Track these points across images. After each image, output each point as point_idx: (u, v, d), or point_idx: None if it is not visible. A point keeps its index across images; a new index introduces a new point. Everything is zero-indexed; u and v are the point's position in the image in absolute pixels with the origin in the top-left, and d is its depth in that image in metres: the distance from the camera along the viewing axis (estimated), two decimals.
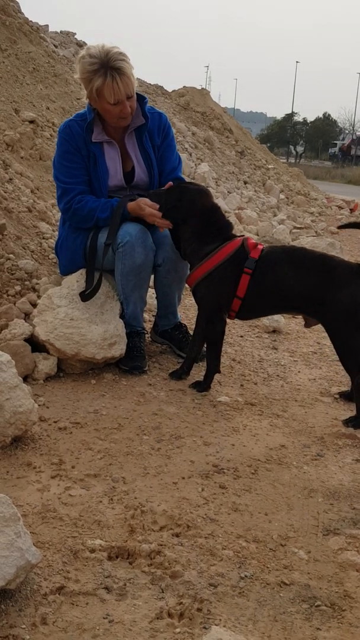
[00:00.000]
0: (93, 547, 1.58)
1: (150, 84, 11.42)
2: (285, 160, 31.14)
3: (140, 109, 2.79)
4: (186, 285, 2.82)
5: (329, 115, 53.80)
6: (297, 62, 60.78)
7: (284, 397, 2.70)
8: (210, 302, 2.61)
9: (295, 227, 7.82)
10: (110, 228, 2.71)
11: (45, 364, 2.62)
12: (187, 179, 5.88)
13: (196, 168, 8.37)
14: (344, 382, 2.85)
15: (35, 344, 2.65)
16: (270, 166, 11.88)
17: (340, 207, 11.45)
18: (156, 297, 3.06)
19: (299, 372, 3.04)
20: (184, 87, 12.72)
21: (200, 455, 2.12)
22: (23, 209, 3.50)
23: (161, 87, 11.92)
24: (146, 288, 2.87)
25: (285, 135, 50.82)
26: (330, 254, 2.77)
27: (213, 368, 2.67)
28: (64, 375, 2.69)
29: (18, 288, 2.89)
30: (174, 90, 12.55)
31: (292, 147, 51.13)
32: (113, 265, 2.78)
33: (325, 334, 2.61)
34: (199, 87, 13.12)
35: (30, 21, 6.44)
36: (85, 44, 8.42)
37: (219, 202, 7.08)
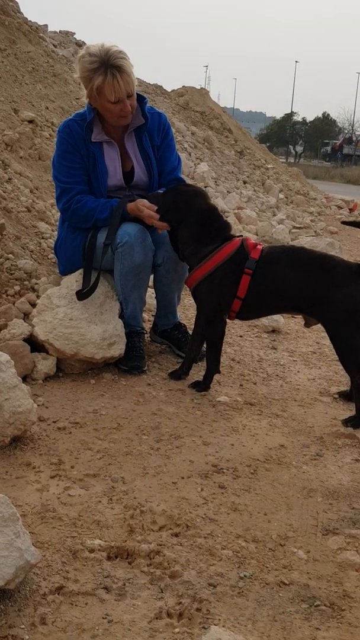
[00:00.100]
0: (92, 547, 1.58)
1: (149, 83, 11.42)
2: (284, 160, 31.17)
3: (140, 109, 2.79)
4: (185, 285, 2.82)
5: (328, 115, 53.88)
6: (296, 61, 60.92)
7: (284, 397, 2.70)
8: (210, 303, 2.61)
9: (294, 227, 7.82)
10: (109, 228, 2.71)
11: (45, 364, 2.61)
12: (187, 179, 5.88)
13: (195, 168, 8.37)
14: (344, 381, 2.85)
15: (35, 344, 2.64)
16: (269, 166, 11.88)
17: (339, 207, 11.46)
18: (155, 297, 3.06)
19: (298, 371, 3.04)
20: (183, 86, 12.73)
21: (199, 455, 2.12)
22: (22, 208, 3.50)
23: (160, 87, 11.92)
24: (145, 288, 2.87)
25: (284, 135, 50.85)
26: (330, 253, 2.77)
27: (213, 368, 2.67)
28: (63, 375, 2.69)
29: (17, 288, 2.89)
30: (173, 90, 12.56)
31: (291, 147, 51.16)
32: (112, 265, 2.78)
33: (325, 334, 2.61)
34: (198, 87, 13.13)
35: (30, 21, 6.45)
36: (85, 43, 8.41)
37: (218, 201, 7.08)
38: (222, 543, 1.66)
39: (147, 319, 3.30)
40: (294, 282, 2.51)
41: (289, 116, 52.57)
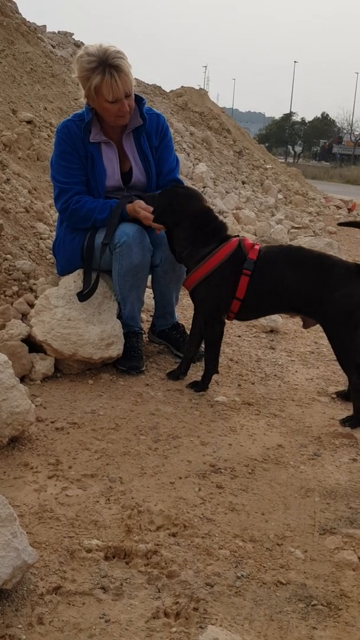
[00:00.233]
0: (90, 547, 1.58)
1: (148, 84, 11.42)
2: (283, 160, 31.18)
3: (139, 110, 2.80)
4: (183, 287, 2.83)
5: (327, 115, 53.91)
6: (295, 62, 60.92)
7: (281, 397, 2.70)
8: (209, 304, 2.61)
9: (293, 227, 7.83)
10: (108, 228, 2.72)
11: (43, 365, 2.62)
12: (185, 179, 5.89)
13: (194, 168, 8.38)
14: (342, 381, 2.86)
15: (33, 345, 2.65)
16: (268, 166, 11.89)
17: (338, 207, 11.47)
18: (154, 297, 3.06)
19: (296, 371, 3.04)
20: (182, 87, 12.73)
21: (197, 455, 2.12)
22: (20, 209, 3.50)
23: (159, 87, 11.93)
24: (143, 288, 2.88)
25: (283, 135, 50.91)
26: (328, 253, 2.77)
27: (211, 369, 2.67)
28: (61, 375, 2.69)
29: (15, 288, 2.89)
30: (172, 91, 12.57)
31: (290, 147, 51.20)
32: (110, 265, 2.78)
33: (323, 334, 2.61)
34: (197, 87, 13.15)
35: (28, 22, 6.45)
36: (83, 44, 8.42)
37: (217, 202, 7.09)
38: (219, 543, 1.66)
39: (146, 319, 3.30)
40: (292, 282, 2.51)
41: (287, 116, 52.63)
